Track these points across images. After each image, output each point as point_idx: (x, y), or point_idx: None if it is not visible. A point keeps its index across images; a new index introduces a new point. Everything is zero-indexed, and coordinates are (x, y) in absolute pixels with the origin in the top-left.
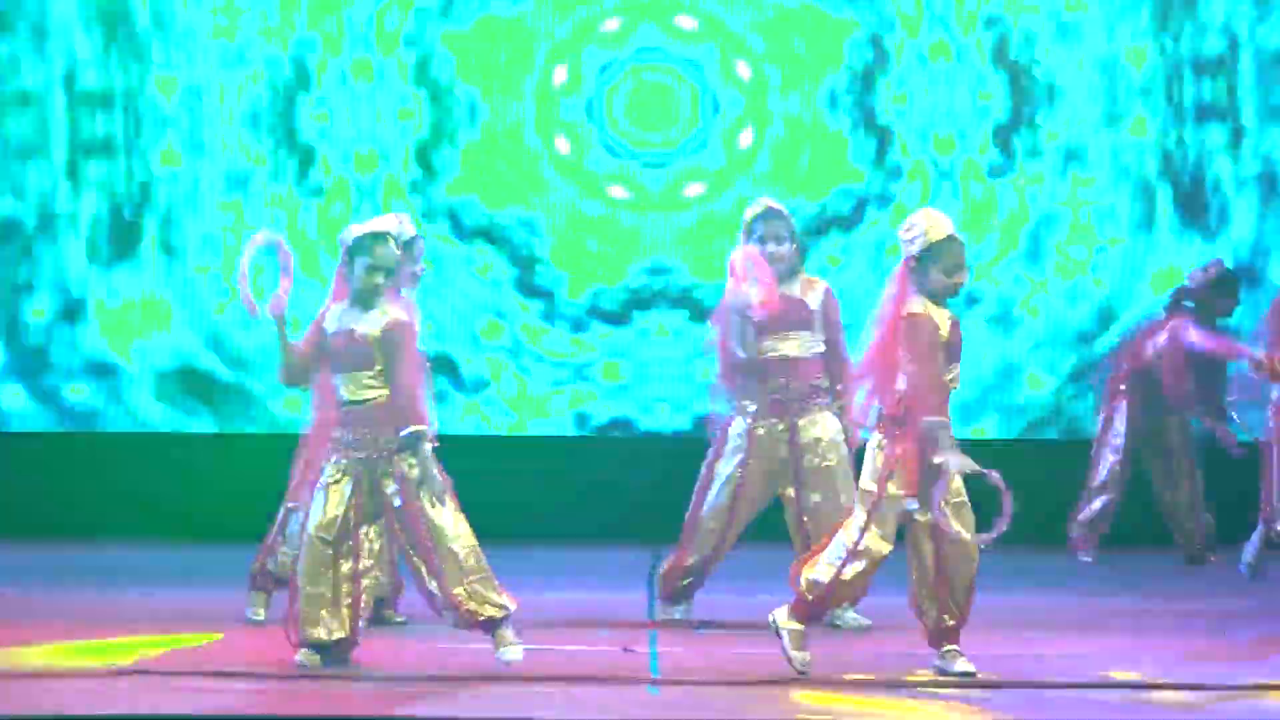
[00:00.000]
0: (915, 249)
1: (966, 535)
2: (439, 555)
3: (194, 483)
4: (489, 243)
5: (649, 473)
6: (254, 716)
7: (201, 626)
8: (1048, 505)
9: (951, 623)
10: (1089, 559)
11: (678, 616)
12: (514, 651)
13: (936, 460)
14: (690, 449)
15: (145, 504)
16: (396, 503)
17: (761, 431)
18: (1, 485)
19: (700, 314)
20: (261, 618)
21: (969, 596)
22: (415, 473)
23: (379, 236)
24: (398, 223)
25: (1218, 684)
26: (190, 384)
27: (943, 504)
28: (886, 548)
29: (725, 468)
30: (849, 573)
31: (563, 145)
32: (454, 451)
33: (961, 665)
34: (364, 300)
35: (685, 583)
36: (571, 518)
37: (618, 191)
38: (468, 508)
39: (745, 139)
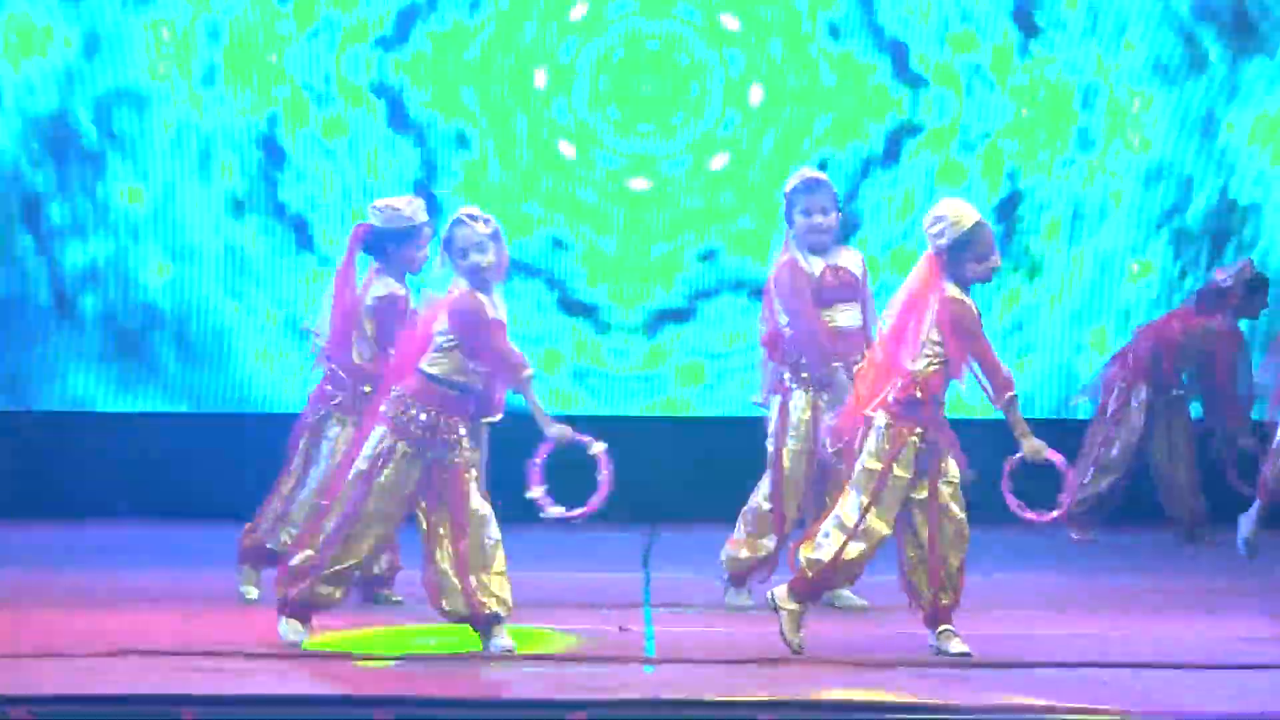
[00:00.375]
0: (945, 241)
1: (961, 515)
2: (471, 541)
3: (170, 462)
4: (529, 275)
5: (651, 452)
6: (251, 696)
7: (188, 604)
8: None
9: (947, 602)
10: (1087, 539)
11: (745, 601)
12: (509, 639)
13: (1024, 445)
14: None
15: (125, 484)
16: (449, 481)
17: (824, 405)
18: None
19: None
20: (255, 596)
21: (962, 575)
22: (475, 456)
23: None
24: (409, 204)
25: (1214, 663)
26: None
27: (941, 483)
28: (887, 530)
29: (796, 444)
30: (851, 552)
31: (567, 150)
32: None
33: (957, 646)
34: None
35: (754, 568)
36: (569, 497)
37: (639, 184)
38: None
39: (755, 95)
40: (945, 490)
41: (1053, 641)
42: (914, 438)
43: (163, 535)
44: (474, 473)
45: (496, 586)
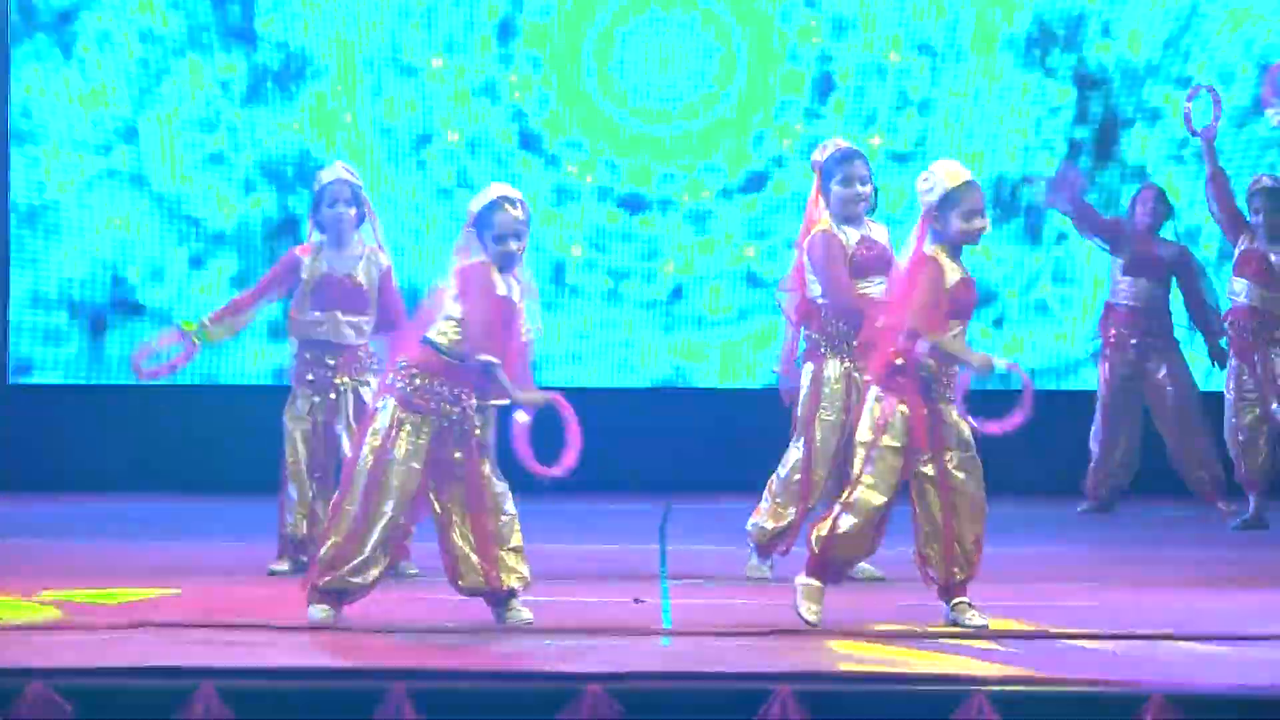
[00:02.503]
0: (934, 197)
1: (976, 488)
2: (491, 519)
3: (184, 435)
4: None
5: (665, 424)
6: (269, 668)
7: (206, 577)
8: (1059, 457)
9: (961, 577)
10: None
11: (765, 573)
12: (526, 612)
13: (973, 363)
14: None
15: (141, 457)
16: (461, 458)
17: (858, 375)
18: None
19: None
20: (286, 568)
21: (978, 549)
22: (487, 431)
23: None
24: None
25: (1227, 634)
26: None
27: (946, 455)
28: (880, 499)
29: (829, 414)
30: (844, 525)
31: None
32: None
33: (973, 618)
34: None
35: (777, 538)
36: (584, 469)
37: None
38: None
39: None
40: (951, 462)
41: (1065, 613)
42: (902, 407)
43: (178, 509)
44: (487, 446)
45: (514, 561)
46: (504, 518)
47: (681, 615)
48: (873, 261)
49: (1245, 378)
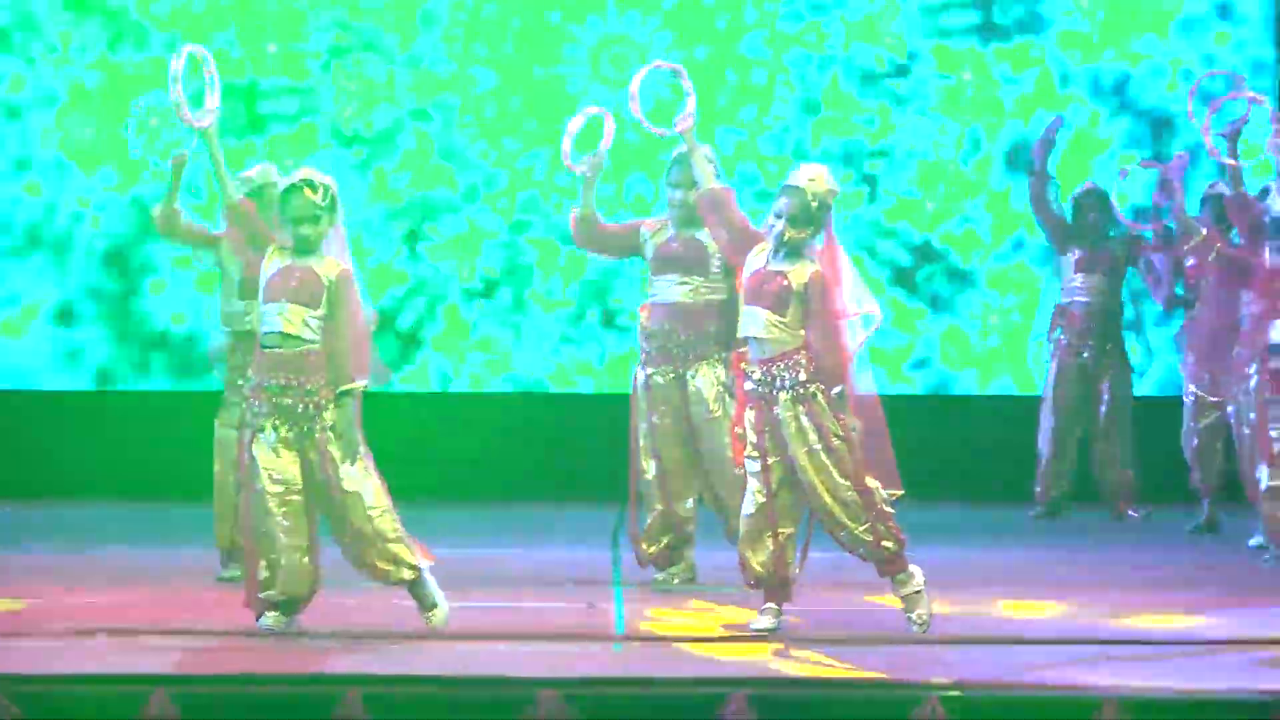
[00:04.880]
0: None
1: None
2: (351, 522)
3: (147, 440)
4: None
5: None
6: (209, 676)
7: (160, 583)
8: (1007, 462)
9: (893, 547)
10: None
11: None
12: (438, 616)
13: None
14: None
15: (94, 463)
16: (315, 459)
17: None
18: None
19: None
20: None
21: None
22: (343, 426)
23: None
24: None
25: (1180, 638)
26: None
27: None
28: (759, 502)
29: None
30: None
31: None
32: (418, 407)
33: (915, 583)
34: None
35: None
36: (537, 475)
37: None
38: (431, 465)
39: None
40: (799, 462)
41: (1018, 620)
42: (750, 412)
43: (131, 514)
44: (344, 442)
45: (399, 553)
46: (373, 514)
47: (634, 620)
48: (683, 258)
49: (1205, 382)
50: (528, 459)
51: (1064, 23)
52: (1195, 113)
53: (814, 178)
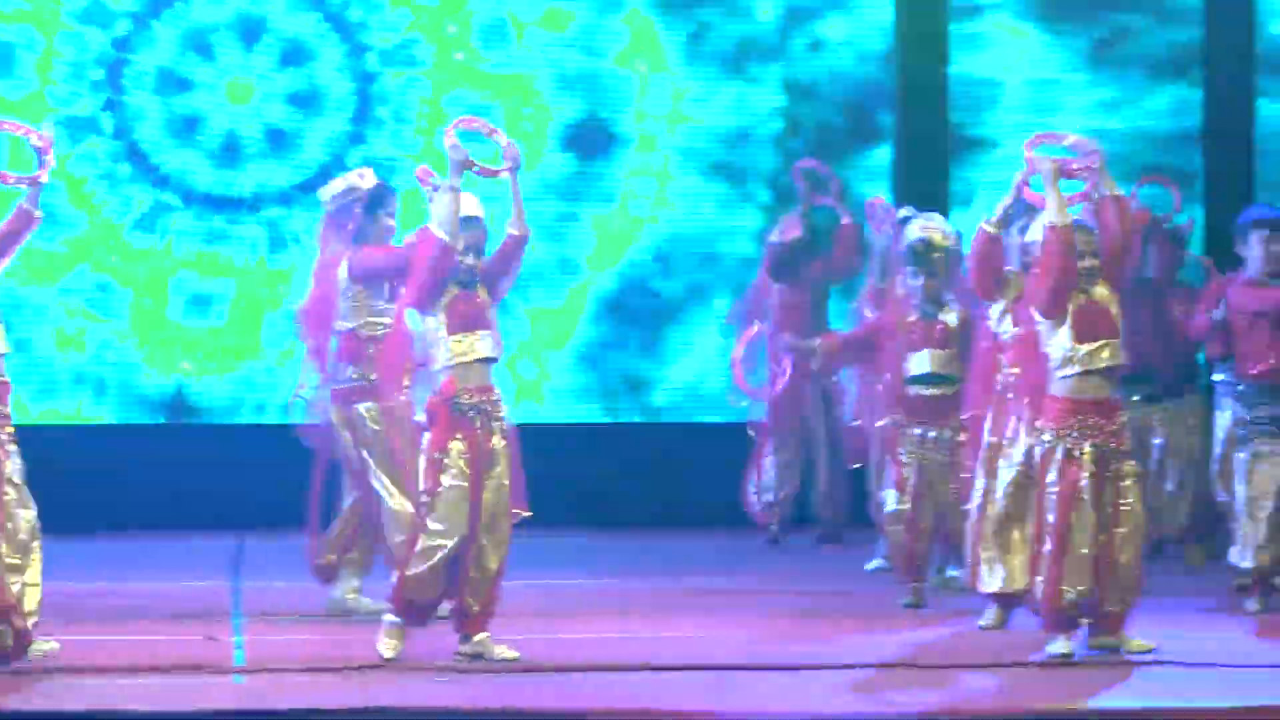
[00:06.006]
0: None
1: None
2: None
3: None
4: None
5: (238, 459)
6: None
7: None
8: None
9: (478, 609)
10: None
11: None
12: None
13: None
14: None
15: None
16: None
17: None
18: None
19: None
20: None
21: (496, 581)
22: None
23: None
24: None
25: (805, 664)
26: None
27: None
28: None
29: None
30: (412, 568)
31: None
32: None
33: (501, 651)
34: None
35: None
36: (152, 506)
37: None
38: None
39: None
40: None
41: (619, 644)
42: (457, 443)
43: (99, 549)
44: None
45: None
46: None
47: (256, 653)
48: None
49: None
50: (147, 490)
51: None
52: None
53: None
